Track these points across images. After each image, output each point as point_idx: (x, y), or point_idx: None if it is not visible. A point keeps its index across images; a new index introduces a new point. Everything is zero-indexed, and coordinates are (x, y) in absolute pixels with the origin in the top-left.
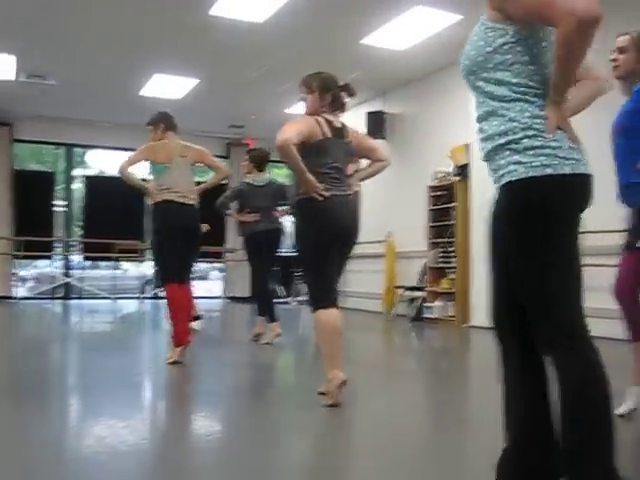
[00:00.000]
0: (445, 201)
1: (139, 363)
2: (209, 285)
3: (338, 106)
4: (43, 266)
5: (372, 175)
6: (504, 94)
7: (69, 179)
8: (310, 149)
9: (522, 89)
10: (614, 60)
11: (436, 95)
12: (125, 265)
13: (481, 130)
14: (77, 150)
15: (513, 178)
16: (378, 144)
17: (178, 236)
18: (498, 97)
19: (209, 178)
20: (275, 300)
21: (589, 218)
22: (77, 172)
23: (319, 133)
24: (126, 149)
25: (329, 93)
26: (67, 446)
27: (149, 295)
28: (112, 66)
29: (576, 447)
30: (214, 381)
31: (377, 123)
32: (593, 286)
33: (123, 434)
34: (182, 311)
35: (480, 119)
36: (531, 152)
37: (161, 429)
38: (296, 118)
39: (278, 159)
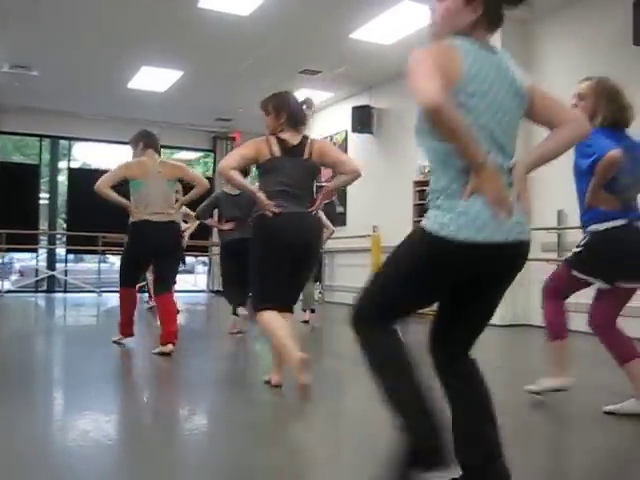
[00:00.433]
0: None
1: (123, 356)
2: (194, 279)
3: (298, 122)
4: (26, 259)
5: (343, 186)
6: (431, 158)
7: (54, 172)
8: (263, 168)
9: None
10: (574, 106)
11: None
12: (111, 258)
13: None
14: (63, 143)
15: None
16: (347, 157)
17: (150, 253)
18: (429, 159)
19: (189, 194)
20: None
21: (572, 214)
22: (62, 165)
23: (267, 153)
24: (112, 142)
25: (284, 112)
26: (52, 439)
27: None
28: (99, 58)
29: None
30: (198, 374)
31: (363, 117)
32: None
33: (107, 428)
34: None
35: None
36: (439, 210)
37: (144, 423)
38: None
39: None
